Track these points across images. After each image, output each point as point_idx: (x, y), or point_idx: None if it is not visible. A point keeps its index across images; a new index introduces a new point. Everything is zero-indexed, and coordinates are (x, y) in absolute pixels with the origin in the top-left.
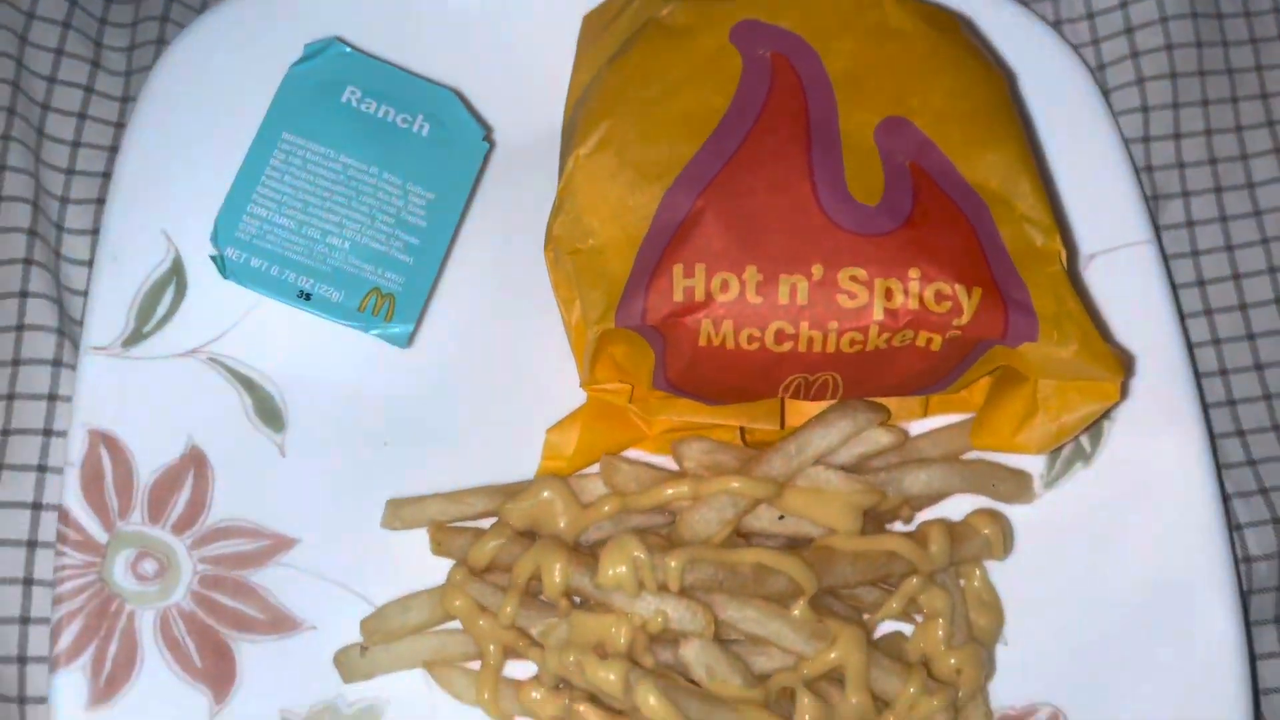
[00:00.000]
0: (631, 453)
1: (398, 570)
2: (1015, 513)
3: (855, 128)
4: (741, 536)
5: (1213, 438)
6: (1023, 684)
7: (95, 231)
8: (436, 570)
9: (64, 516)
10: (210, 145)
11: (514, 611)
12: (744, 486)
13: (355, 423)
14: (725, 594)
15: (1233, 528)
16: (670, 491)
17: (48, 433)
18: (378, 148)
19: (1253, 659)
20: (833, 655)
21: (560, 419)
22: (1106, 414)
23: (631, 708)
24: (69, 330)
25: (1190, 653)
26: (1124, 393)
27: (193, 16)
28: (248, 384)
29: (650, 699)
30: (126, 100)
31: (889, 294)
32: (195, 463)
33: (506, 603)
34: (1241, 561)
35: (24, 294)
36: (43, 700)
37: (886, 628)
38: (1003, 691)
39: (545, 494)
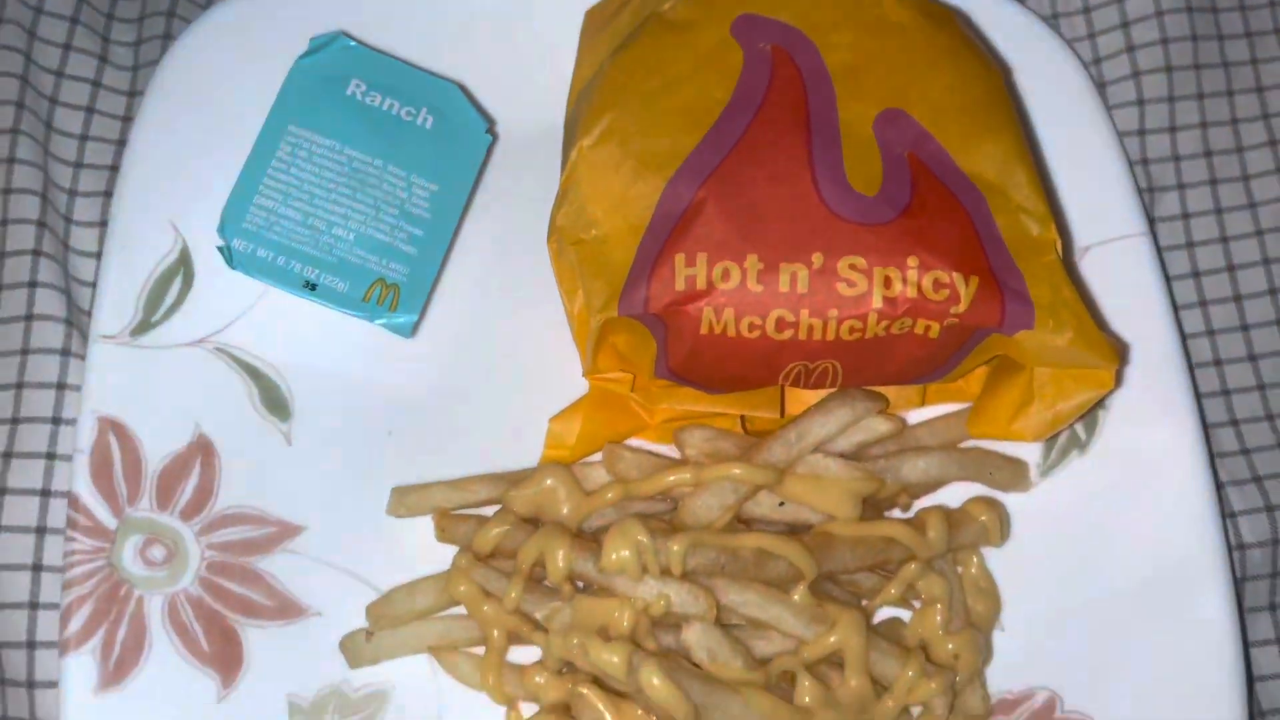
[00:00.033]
0: (633, 441)
1: (403, 557)
2: (1012, 500)
3: (854, 119)
4: (742, 522)
5: (1206, 427)
6: (1020, 668)
7: (103, 224)
8: (441, 557)
9: (74, 502)
10: (216, 138)
11: (518, 596)
12: (745, 473)
13: (360, 412)
14: (726, 578)
15: (1227, 515)
16: (672, 478)
17: (56, 421)
18: (382, 140)
19: (1247, 646)
20: (832, 639)
21: (563, 408)
22: (1101, 402)
23: (635, 689)
24: (77, 320)
25: (1184, 638)
26: (1118, 381)
27: (198, 12)
28: (254, 373)
29: (654, 680)
30: (133, 94)
31: (888, 282)
32: (202, 450)
33: (511, 588)
34: (1235, 549)
35: (33, 284)
36: (52, 685)
37: (885, 613)
38: (1000, 675)
39: (548, 481)
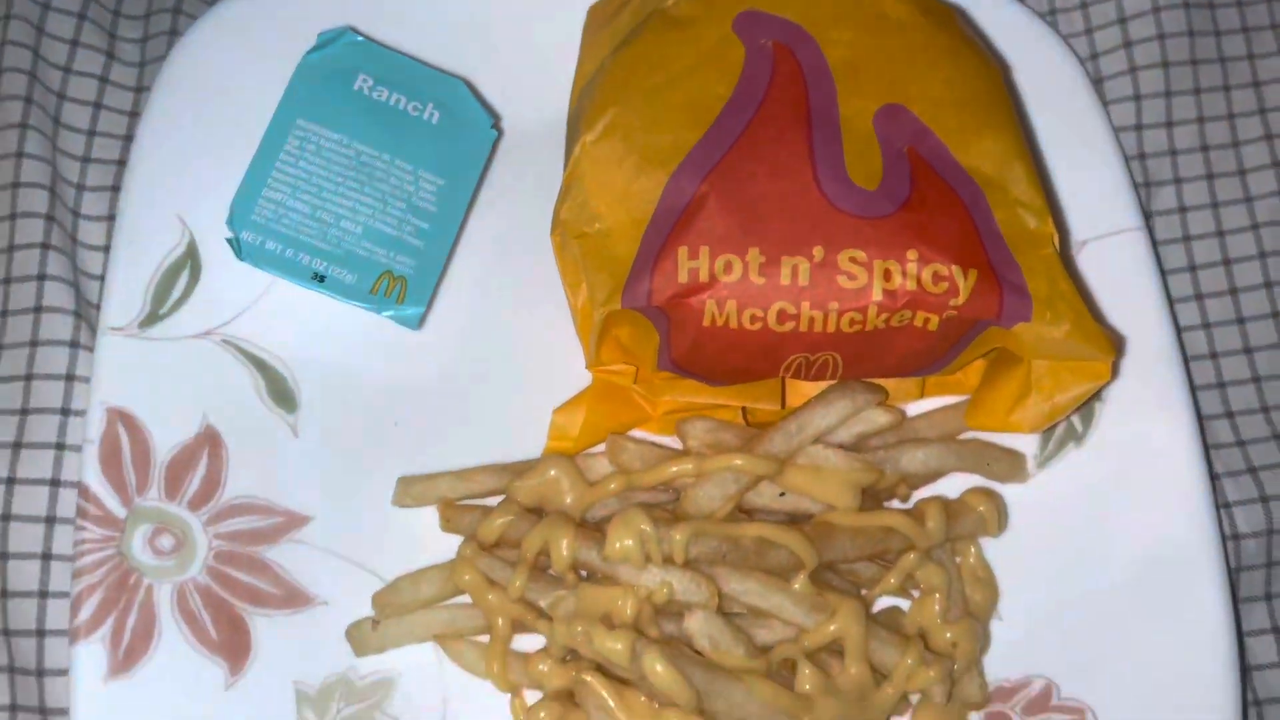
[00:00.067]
0: (636, 433)
1: (408, 546)
2: (1009, 491)
3: (854, 114)
4: (744, 512)
5: (1202, 419)
6: (1017, 656)
7: (110, 218)
8: (446, 546)
9: (84, 492)
10: (222, 132)
11: (523, 585)
12: (746, 464)
13: (366, 403)
14: (728, 567)
15: (1222, 506)
16: (674, 469)
17: (65, 412)
18: (389, 134)
19: (1242, 635)
20: (832, 627)
21: (566, 400)
22: (1098, 394)
23: (639, 677)
24: (85, 313)
25: (1178, 627)
26: (1115, 373)
27: (204, 8)
28: (260, 365)
29: (657, 667)
30: (140, 90)
31: (888, 275)
32: (210, 441)
33: (515, 576)
34: (1231, 539)
35: (42, 277)
36: (61, 673)
37: (884, 602)
38: (998, 663)
39: (552, 472)
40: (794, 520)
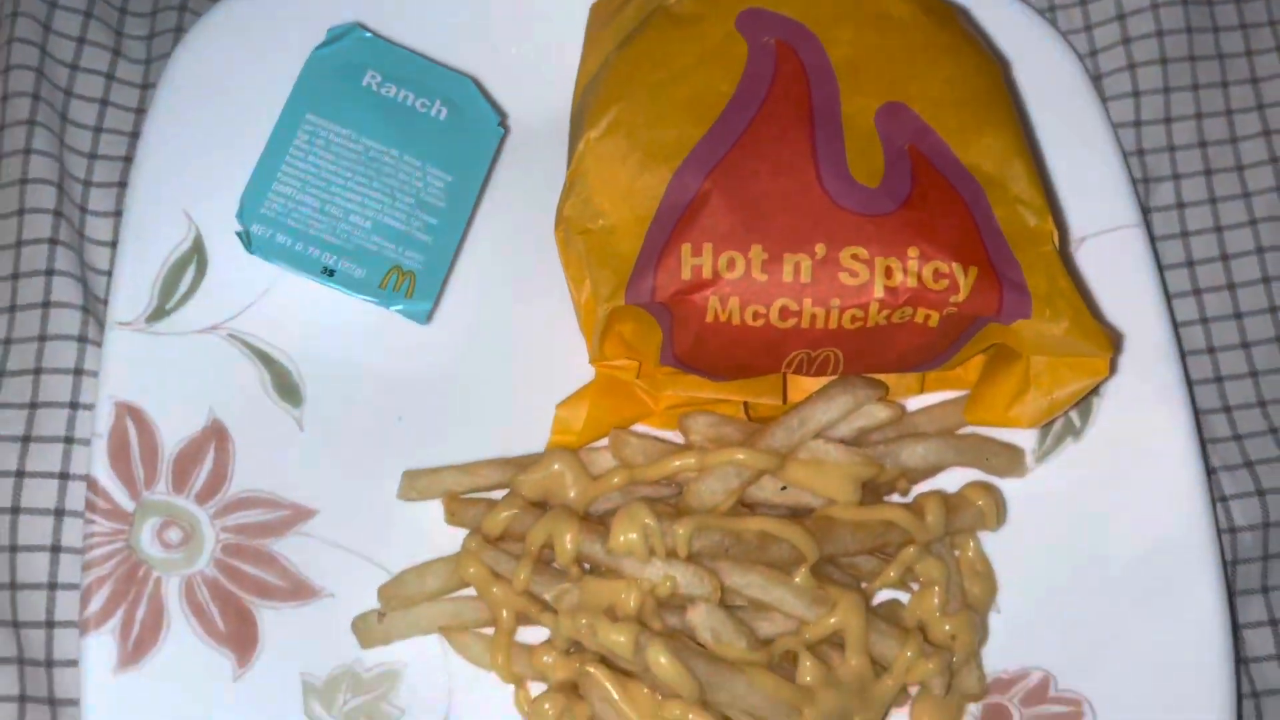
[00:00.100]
0: (639, 427)
1: (413, 539)
2: (1008, 485)
3: (856, 112)
4: (746, 506)
5: (1198, 414)
6: (1015, 648)
7: (117, 213)
8: (450, 539)
9: (93, 486)
10: (227, 128)
11: (527, 578)
12: (748, 458)
13: (370, 398)
14: (731, 561)
15: (1218, 500)
16: (677, 463)
17: (74, 406)
18: (397, 130)
19: (1240, 627)
20: (833, 620)
21: (569, 394)
22: (1096, 390)
23: (642, 668)
24: (93, 308)
25: (1174, 619)
26: (1113, 369)
27: (209, 6)
28: (266, 359)
29: (661, 659)
30: (146, 87)
31: (889, 272)
32: (217, 435)
33: (520, 569)
34: (1227, 532)
35: (50, 272)
36: (70, 663)
37: (884, 595)
38: (996, 655)
39: (556, 466)
40: (795, 514)
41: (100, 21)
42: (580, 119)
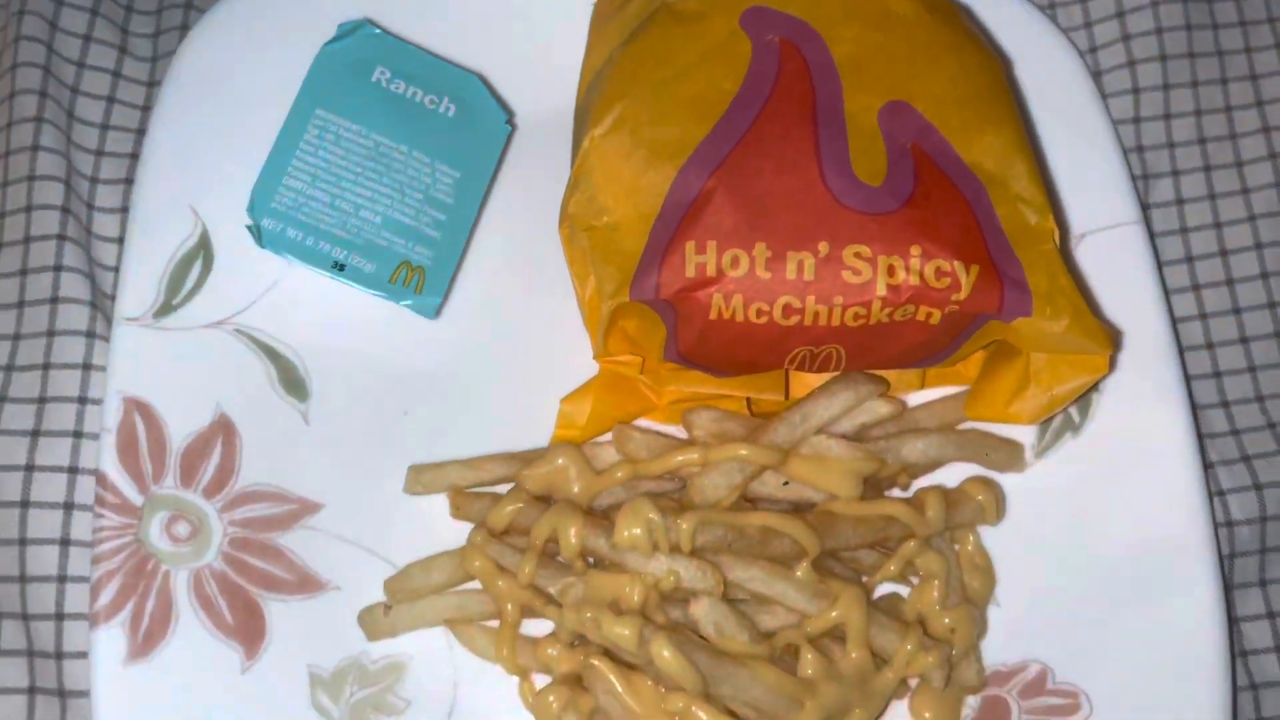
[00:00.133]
0: (642, 422)
1: (419, 533)
2: (1007, 480)
3: (859, 111)
4: (748, 501)
5: (1196, 409)
6: (1013, 642)
7: (124, 210)
8: (456, 533)
9: (102, 480)
10: (232, 124)
11: (532, 571)
12: (751, 454)
13: (376, 392)
14: (733, 555)
15: (1216, 494)
16: (680, 458)
17: (82, 400)
18: (407, 127)
19: (1238, 620)
20: (834, 614)
21: (573, 389)
22: (1095, 386)
23: (645, 661)
24: (101, 303)
25: (1171, 613)
26: (1112, 366)
27: (214, 2)
28: (272, 354)
29: (664, 652)
30: (152, 84)
31: (891, 270)
32: (224, 430)
33: (525, 563)
34: (1225, 526)
35: (58, 268)
36: (79, 655)
37: (885, 589)
38: (995, 648)
39: (560, 461)
40: (797, 509)
41: (106, 19)
42: (584, 116)
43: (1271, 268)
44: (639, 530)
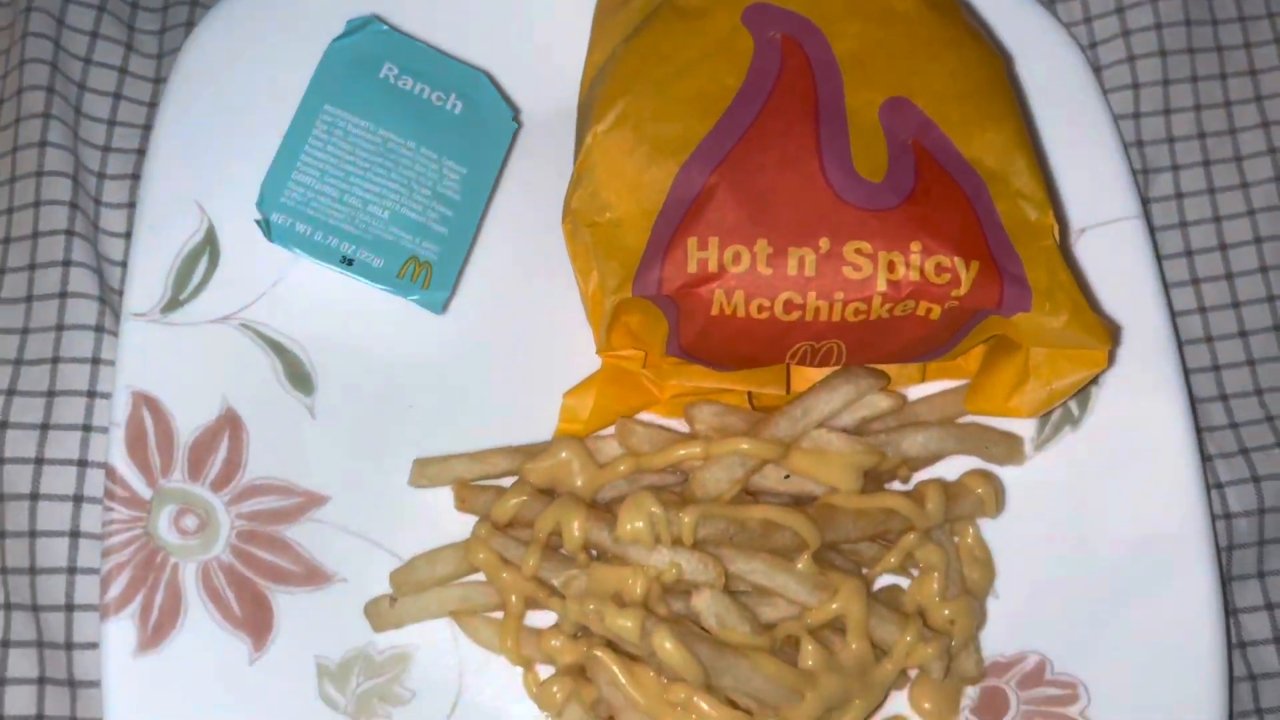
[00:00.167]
0: (644, 416)
1: (424, 526)
2: (1007, 473)
3: (861, 107)
4: (749, 494)
5: (1195, 403)
6: (1012, 633)
7: (131, 205)
8: (460, 526)
9: (111, 474)
10: (237, 119)
11: (536, 564)
12: (752, 448)
13: (381, 386)
14: (735, 548)
15: (1214, 486)
16: (682, 452)
17: (91, 394)
18: (414, 123)
19: (1236, 612)
20: (835, 605)
21: (577, 384)
22: (1094, 380)
23: (648, 653)
24: (109, 298)
25: (1169, 604)
26: (1111, 360)
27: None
28: (278, 349)
29: (666, 644)
30: (159, 81)
31: (892, 266)
32: (230, 424)
33: (529, 556)
34: (1223, 518)
35: (66, 263)
36: (89, 646)
37: (885, 581)
38: (994, 640)
39: (563, 454)
40: (798, 502)
41: (113, 16)
42: (587, 112)
43: (1270, 262)
44: (641, 523)
